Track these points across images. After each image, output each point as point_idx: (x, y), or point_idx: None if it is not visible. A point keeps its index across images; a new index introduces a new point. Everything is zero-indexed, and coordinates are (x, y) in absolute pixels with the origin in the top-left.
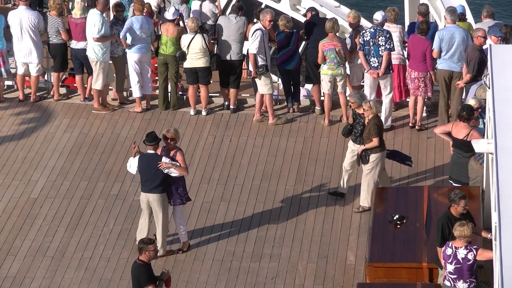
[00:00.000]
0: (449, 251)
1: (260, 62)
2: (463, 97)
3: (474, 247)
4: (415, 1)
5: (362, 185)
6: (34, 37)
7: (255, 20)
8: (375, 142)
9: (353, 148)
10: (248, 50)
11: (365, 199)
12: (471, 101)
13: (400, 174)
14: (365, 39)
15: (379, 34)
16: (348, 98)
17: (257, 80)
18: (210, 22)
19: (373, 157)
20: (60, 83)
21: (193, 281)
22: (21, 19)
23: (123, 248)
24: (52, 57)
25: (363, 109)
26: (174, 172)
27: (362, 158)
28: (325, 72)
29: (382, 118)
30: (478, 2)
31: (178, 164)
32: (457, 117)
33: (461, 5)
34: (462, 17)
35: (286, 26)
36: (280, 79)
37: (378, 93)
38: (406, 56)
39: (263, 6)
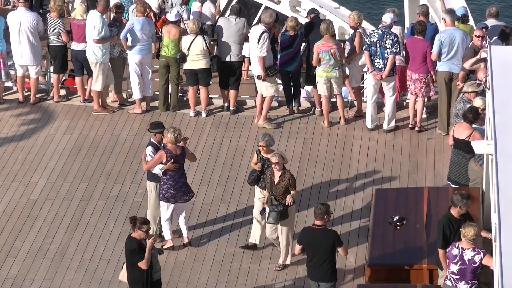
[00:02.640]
0: (455, 251)
1: (267, 63)
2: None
3: (483, 250)
4: (415, 2)
5: (282, 242)
6: (32, 39)
7: (254, 22)
8: (295, 194)
9: (261, 196)
10: (257, 53)
11: (286, 255)
12: (478, 102)
13: (400, 175)
14: (372, 40)
15: (387, 36)
16: (258, 142)
17: (261, 82)
18: (209, 22)
19: (291, 209)
20: (60, 85)
21: (193, 282)
22: (19, 20)
23: (123, 249)
24: (52, 58)
25: (273, 161)
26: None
27: (283, 214)
28: (320, 74)
29: (386, 120)
30: (477, 3)
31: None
32: (462, 117)
33: (463, 7)
34: (465, 19)
35: (294, 29)
36: (280, 81)
37: (381, 94)
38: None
39: (263, 7)
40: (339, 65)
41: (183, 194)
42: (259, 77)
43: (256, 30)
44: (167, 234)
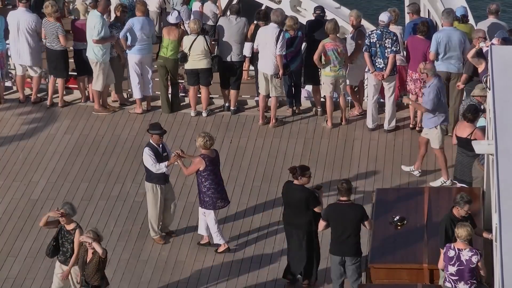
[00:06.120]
0: (451, 253)
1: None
2: (463, 98)
3: (480, 252)
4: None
5: None
6: (30, 40)
7: (255, 22)
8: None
9: (60, 271)
10: (277, 51)
11: None
12: (476, 91)
13: (400, 175)
14: (372, 41)
15: (386, 36)
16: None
17: (271, 82)
18: (210, 22)
19: None
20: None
21: (194, 281)
22: (18, 21)
23: (123, 249)
24: (49, 63)
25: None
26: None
27: None
28: (328, 73)
29: (386, 120)
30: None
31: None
32: (461, 116)
33: (463, 7)
34: (464, 19)
35: (293, 28)
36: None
37: (382, 94)
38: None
39: (263, 7)
40: (343, 64)
41: (223, 196)
42: (276, 76)
43: (272, 29)
44: (220, 239)
